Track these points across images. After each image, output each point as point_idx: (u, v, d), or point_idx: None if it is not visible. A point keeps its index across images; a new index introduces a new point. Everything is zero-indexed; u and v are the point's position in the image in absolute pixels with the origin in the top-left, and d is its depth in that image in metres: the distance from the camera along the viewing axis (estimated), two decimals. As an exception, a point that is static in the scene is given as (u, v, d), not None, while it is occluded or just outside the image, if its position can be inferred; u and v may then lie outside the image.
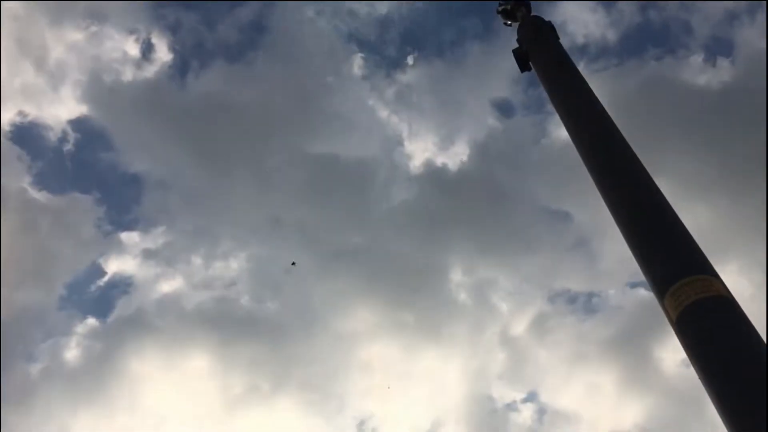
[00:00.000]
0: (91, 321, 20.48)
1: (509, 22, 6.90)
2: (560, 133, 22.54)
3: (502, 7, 6.96)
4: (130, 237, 21.32)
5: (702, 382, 3.23)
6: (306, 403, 20.10)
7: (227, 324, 20.80)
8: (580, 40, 22.54)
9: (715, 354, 3.21)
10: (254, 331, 20.62)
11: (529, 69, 6.06)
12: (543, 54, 5.80)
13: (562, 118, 5.16)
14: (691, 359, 3.33)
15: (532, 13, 6.58)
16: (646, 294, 21.60)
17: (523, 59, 6.08)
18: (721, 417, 3.08)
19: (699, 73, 22.25)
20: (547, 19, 6.23)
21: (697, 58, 22.27)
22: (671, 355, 20.59)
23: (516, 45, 6.24)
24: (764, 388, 3.02)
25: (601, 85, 22.56)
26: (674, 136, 21.61)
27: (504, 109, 23.63)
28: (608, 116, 4.85)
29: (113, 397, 19.52)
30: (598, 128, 4.72)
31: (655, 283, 3.66)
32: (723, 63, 21.71)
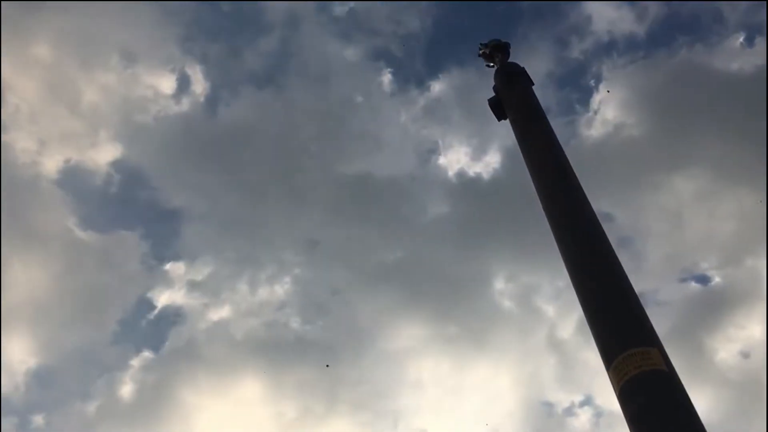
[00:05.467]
0: (146, 354, 21.11)
1: (491, 64, 7.03)
2: (589, 133, 22.30)
3: (482, 51, 7.09)
4: (175, 270, 21.90)
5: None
6: (360, 423, 20.36)
7: (277, 349, 21.19)
8: (605, 37, 22.26)
9: (653, 430, 3.33)
10: (304, 354, 20.95)
11: (506, 117, 6.17)
12: (514, 104, 5.92)
13: (529, 171, 5.27)
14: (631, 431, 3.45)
15: (510, 59, 6.70)
16: (694, 287, 21.19)
17: (498, 108, 6.19)
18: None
19: (732, 57, 21.70)
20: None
21: (733, 42, 21.68)
22: (725, 346, 20.19)
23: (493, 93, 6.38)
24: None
25: (629, 79, 22.35)
26: (711, 124, 21.20)
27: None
28: (573, 175, 4.96)
29: (171, 429, 20.09)
30: (561, 189, 4.83)
31: (602, 355, 3.78)
32: (761, 44, 21.07)
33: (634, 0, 21.83)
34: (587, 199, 4.74)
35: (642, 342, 3.66)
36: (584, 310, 4.07)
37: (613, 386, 3.64)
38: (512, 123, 5.85)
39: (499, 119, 6.23)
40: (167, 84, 22.06)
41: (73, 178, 21.77)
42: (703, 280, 21.29)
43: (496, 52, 6.88)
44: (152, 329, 22.01)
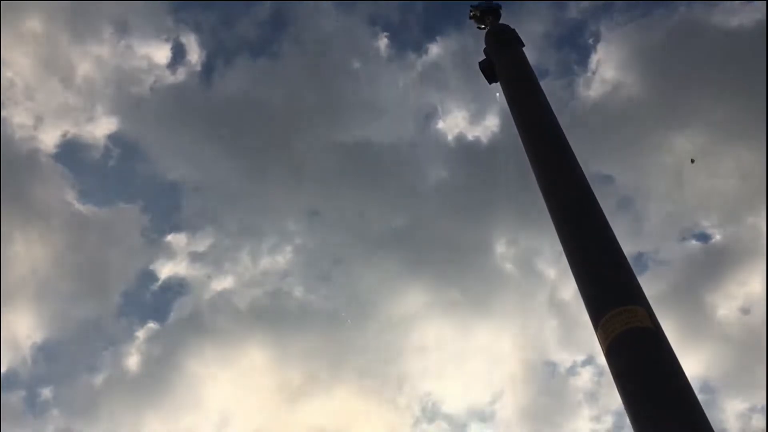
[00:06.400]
0: (151, 325, 21.32)
1: (482, 26, 6.97)
2: (588, 93, 22.19)
3: (473, 13, 7.03)
4: (177, 242, 22.00)
5: (626, 410, 3.40)
6: (365, 389, 20.60)
7: (281, 318, 21.38)
8: (602, -4, 22.04)
9: (638, 386, 3.38)
10: (308, 322, 21.13)
11: (497, 80, 6.13)
12: (504, 67, 5.89)
13: (520, 135, 5.27)
14: (618, 389, 3.50)
15: (507, 20, 6.65)
16: (695, 245, 21.27)
17: (489, 70, 6.16)
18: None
19: (732, 13, 21.46)
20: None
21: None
22: (725, 302, 20.32)
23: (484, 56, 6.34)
24: (681, 416, 3.19)
25: (627, 37, 22.16)
26: (710, 82, 21.04)
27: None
28: (563, 136, 4.95)
29: (177, 399, 20.35)
30: (550, 151, 4.83)
31: (590, 315, 3.82)
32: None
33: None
34: (576, 160, 4.74)
35: (628, 300, 3.69)
36: (573, 270, 4.10)
37: (601, 345, 3.68)
38: (503, 85, 5.83)
39: (491, 82, 6.21)
40: (162, 54, 21.96)
41: (71, 153, 21.81)
42: (704, 238, 21.37)
43: (487, 14, 6.83)
44: (156, 301, 22.21)
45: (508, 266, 21.63)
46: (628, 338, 3.51)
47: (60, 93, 21.29)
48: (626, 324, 3.54)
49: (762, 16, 19.75)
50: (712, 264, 20.79)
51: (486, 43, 6.40)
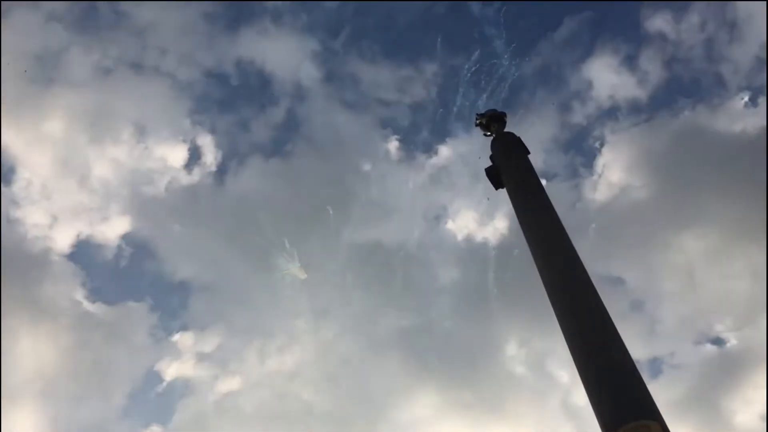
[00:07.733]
0: (155, 429, 20.79)
1: (488, 133, 7.10)
2: (594, 195, 22.36)
3: (479, 120, 7.18)
4: (183, 341, 21.78)
5: None
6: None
7: (288, 420, 20.84)
8: (607, 101, 22.54)
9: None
10: (316, 424, 20.59)
11: (503, 186, 6.19)
12: (510, 174, 5.96)
13: (527, 242, 5.27)
14: None
15: (515, 125, 6.79)
16: (711, 349, 20.86)
17: (496, 177, 6.23)
18: None
19: (735, 118, 21.83)
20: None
21: (736, 102, 21.80)
22: (744, 407, 19.72)
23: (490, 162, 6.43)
24: None
25: (632, 141, 22.50)
26: (716, 183, 21.17)
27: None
28: (571, 246, 4.94)
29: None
30: (557, 261, 4.82)
31: (602, 428, 3.70)
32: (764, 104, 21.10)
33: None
34: (585, 269, 4.71)
35: (642, 415, 3.58)
36: (582, 381, 4.01)
37: (614, 461, 3.55)
38: (509, 191, 5.89)
39: (497, 188, 6.26)
40: (178, 155, 22.39)
41: (83, 252, 21.92)
42: (719, 342, 21.00)
43: (493, 121, 6.98)
44: (161, 402, 21.75)
45: (520, 369, 21.20)
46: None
47: (75, 193, 21.67)
48: (639, 441, 3.42)
49: (763, 121, 20.09)
50: (729, 368, 20.33)
51: (492, 150, 6.50)
